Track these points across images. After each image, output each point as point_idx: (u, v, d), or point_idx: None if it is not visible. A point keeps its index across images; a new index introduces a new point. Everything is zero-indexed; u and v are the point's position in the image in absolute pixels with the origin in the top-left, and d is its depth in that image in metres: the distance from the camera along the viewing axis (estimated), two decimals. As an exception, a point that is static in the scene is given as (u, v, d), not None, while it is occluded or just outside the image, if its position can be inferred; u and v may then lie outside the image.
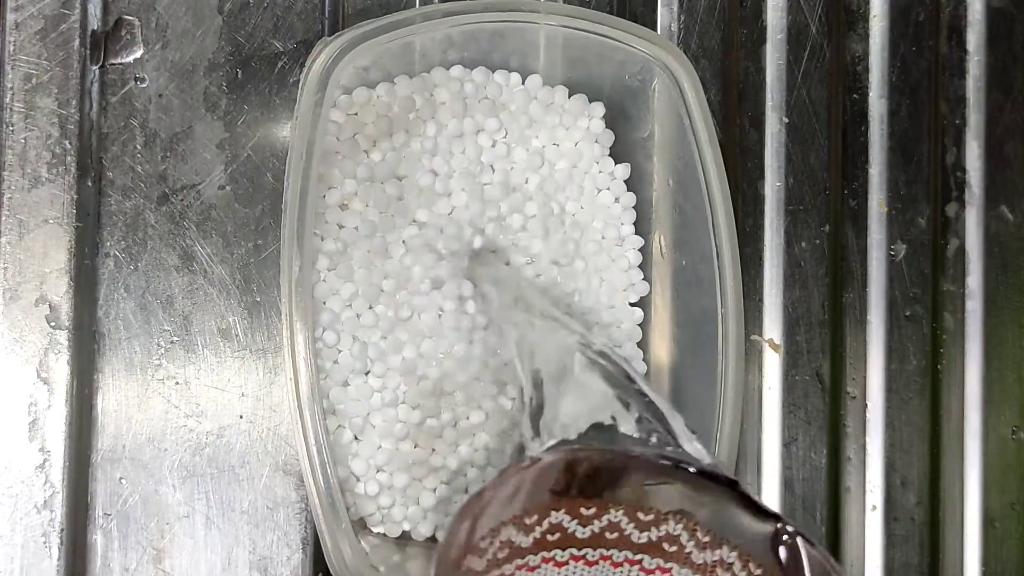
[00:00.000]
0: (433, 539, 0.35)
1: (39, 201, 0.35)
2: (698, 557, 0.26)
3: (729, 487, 0.27)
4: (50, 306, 0.35)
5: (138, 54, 0.36)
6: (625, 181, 0.38)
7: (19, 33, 0.35)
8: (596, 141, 0.38)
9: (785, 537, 0.26)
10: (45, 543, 0.34)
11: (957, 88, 0.42)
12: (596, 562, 0.26)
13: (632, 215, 0.38)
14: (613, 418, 0.30)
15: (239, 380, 0.36)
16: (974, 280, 0.42)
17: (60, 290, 0.35)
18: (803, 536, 0.26)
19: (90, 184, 0.35)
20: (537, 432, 0.30)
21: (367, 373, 0.35)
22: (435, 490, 0.35)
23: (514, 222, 0.36)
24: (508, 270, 0.36)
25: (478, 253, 0.36)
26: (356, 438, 0.35)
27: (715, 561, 0.26)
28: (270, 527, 0.35)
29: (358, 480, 0.35)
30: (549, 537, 0.27)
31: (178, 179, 0.36)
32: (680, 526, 0.27)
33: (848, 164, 0.41)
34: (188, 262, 0.36)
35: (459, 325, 0.35)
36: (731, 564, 0.26)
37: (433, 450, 0.35)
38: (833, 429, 0.40)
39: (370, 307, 0.35)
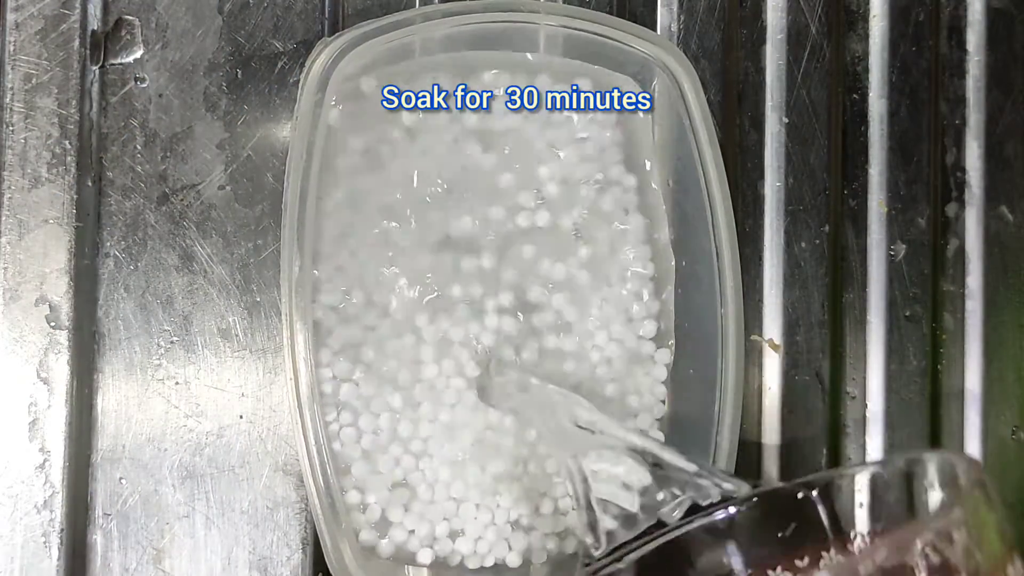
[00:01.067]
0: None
1: (39, 201, 0.35)
2: None
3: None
4: (50, 306, 0.35)
5: (138, 54, 0.36)
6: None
7: (19, 33, 0.35)
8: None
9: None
10: (45, 543, 0.34)
11: (957, 88, 0.42)
12: None
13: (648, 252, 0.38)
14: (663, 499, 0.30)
15: (239, 380, 0.36)
16: (974, 280, 0.42)
17: (60, 290, 0.35)
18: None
19: (90, 184, 0.35)
20: (597, 539, 0.30)
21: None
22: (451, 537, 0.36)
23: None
24: (535, 385, 0.35)
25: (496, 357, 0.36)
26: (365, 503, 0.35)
27: None
28: (270, 527, 0.35)
29: (378, 536, 0.35)
30: None
31: (178, 179, 0.36)
32: None
33: (848, 164, 0.41)
34: (188, 262, 0.36)
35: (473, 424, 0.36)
36: None
37: (445, 520, 0.36)
38: (833, 429, 0.40)
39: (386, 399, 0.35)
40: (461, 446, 0.35)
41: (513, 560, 0.36)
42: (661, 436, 0.37)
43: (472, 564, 0.36)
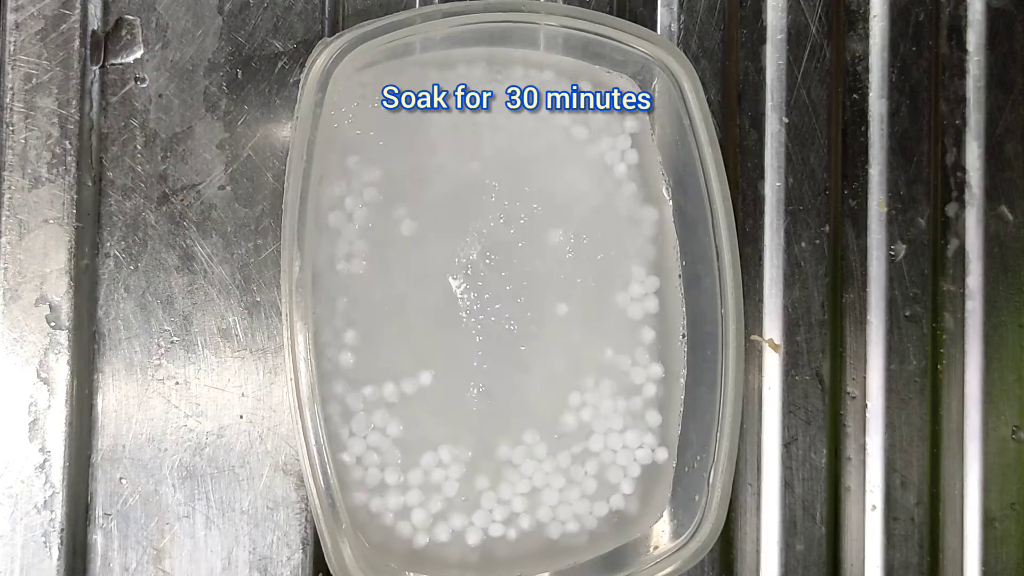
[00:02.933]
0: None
1: (39, 201, 0.35)
2: None
3: None
4: (50, 306, 0.35)
5: (138, 54, 0.36)
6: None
7: (19, 33, 0.35)
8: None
9: None
10: (45, 543, 0.34)
11: (957, 88, 0.42)
12: None
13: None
14: None
15: (239, 380, 0.36)
16: (974, 280, 0.42)
17: (60, 290, 0.35)
18: None
19: (90, 184, 0.35)
20: None
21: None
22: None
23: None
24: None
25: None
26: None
27: None
28: (270, 527, 0.35)
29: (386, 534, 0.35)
30: None
31: (178, 179, 0.36)
32: None
33: (848, 164, 0.41)
34: (188, 262, 0.36)
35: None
36: None
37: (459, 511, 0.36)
38: (833, 429, 0.40)
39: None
40: (469, 432, 0.35)
41: (553, 532, 0.36)
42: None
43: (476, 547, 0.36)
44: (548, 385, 0.36)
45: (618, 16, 0.38)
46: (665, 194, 0.38)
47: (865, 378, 0.40)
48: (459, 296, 0.36)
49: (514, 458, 0.36)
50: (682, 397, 0.37)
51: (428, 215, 0.36)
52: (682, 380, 0.37)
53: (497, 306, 0.36)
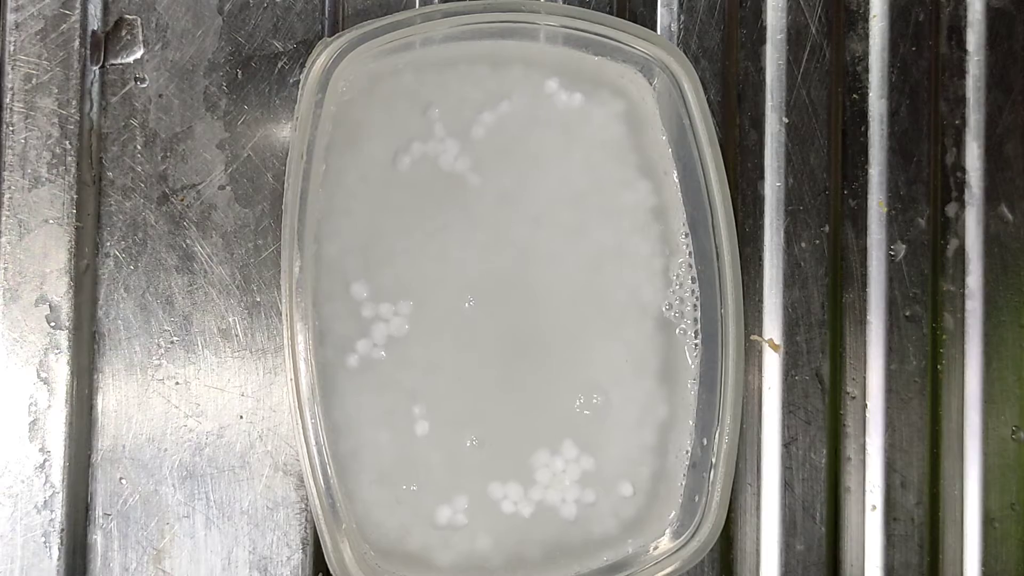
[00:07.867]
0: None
1: (39, 201, 0.35)
2: None
3: None
4: (50, 306, 0.35)
5: (138, 54, 0.36)
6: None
7: (19, 33, 0.35)
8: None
9: None
10: (45, 543, 0.34)
11: (957, 88, 0.42)
12: None
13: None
14: None
15: (239, 380, 0.36)
16: (974, 280, 0.42)
17: (60, 290, 0.35)
18: None
19: (90, 184, 0.35)
20: None
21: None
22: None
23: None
24: None
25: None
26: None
27: None
28: (270, 527, 0.35)
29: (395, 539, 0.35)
30: None
31: (178, 179, 0.36)
32: None
33: (848, 164, 0.41)
34: (188, 262, 0.36)
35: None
36: None
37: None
38: (833, 429, 0.40)
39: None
40: (480, 430, 0.35)
41: (557, 537, 0.36)
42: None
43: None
44: (553, 387, 0.36)
45: (618, 16, 0.38)
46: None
47: (865, 378, 0.40)
48: (467, 296, 0.36)
49: (518, 463, 0.36)
50: (688, 399, 0.37)
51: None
52: (690, 385, 0.37)
53: (502, 307, 0.36)
